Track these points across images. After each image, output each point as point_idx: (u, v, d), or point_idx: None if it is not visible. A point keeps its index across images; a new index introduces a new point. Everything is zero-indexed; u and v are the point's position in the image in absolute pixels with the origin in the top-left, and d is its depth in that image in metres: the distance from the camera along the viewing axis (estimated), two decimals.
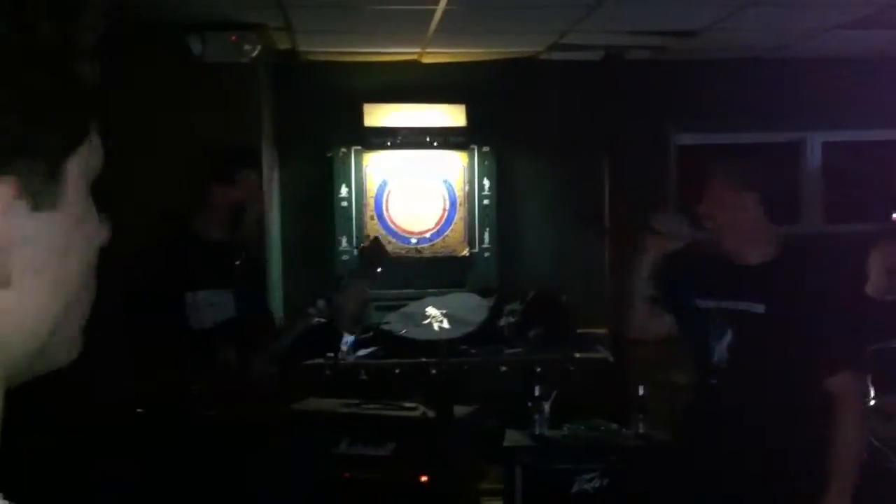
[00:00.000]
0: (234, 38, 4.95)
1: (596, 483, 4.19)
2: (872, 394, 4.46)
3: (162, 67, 4.85)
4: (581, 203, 6.09)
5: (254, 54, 5.00)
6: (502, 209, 6.09)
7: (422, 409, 4.11)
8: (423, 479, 3.87)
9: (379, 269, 3.38)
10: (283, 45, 5.55)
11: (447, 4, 4.60)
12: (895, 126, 6.25)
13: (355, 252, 5.61)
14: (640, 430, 4.35)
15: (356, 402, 4.24)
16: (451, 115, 5.96)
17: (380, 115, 5.92)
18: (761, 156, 6.16)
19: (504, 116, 6.06)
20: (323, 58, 5.91)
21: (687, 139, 6.34)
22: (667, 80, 6.12)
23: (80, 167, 0.69)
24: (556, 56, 5.92)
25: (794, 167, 6.43)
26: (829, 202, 6.41)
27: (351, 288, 3.31)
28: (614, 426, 4.39)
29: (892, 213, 5.30)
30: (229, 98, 4.98)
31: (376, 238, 4.27)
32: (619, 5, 4.75)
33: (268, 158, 5.43)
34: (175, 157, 4.12)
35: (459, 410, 4.18)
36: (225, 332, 3.28)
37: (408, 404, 4.19)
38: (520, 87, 6.09)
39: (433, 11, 4.76)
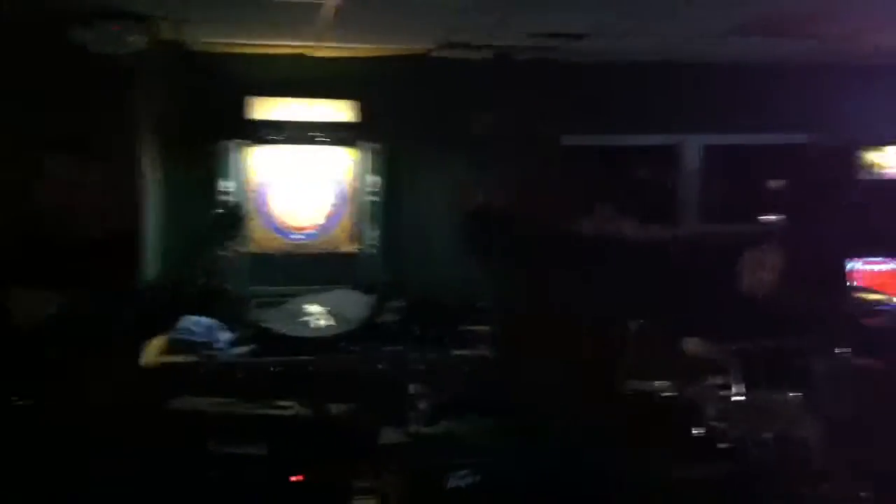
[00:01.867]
0: (116, 27, 4.84)
1: (470, 479, 4.23)
2: (742, 389, 4.61)
3: (41, 57, 4.71)
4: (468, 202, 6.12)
5: (136, 45, 4.89)
6: (391, 206, 6.08)
7: (297, 407, 4.08)
8: (297, 478, 3.84)
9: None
10: (169, 35, 5.44)
11: None
12: (773, 130, 6.47)
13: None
14: (515, 426, 4.39)
15: (230, 400, 4.19)
16: (341, 111, 5.92)
17: (266, 109, 5.84)
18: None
19: (395, 113, 6.04)
20: (209, 49, 5.80)
21: (573, 140, 6.43)
22: (555, 82, 6.20)
23: None
24: (447, 54, 5.94)
25: (674, 169, 6.59)
26: (706, 203, 6.58)
27: None
28: (490, 423, 4.43)
29: (763, 215, 5.46)
30: (108, 89, 4.87)
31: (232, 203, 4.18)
32: (508, 7, 4.78)
33: (149, 151, 5.32)
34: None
35: (335, 408, 4.16)
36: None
37: (283, 403, 4.15)
38: (410, 84, 6.08)
39: (322, 5, 4.72)
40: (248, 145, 5.85)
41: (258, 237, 5.83)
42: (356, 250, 5.99)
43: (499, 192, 5.91)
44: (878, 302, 5.34)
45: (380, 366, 5.05)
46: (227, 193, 5.77)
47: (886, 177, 6.10)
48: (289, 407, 4.18)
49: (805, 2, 4.76)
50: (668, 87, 6.31)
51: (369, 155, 6.02)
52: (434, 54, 5.97)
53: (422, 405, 4.37)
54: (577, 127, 6.33)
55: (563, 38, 5.58)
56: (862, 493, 4.68)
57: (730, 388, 4.60)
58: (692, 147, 6.60)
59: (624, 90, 6.29)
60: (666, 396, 4.44)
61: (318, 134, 5.89)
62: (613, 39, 5.59)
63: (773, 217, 5.41)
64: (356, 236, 6.00)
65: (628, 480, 4.18)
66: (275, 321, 5.32)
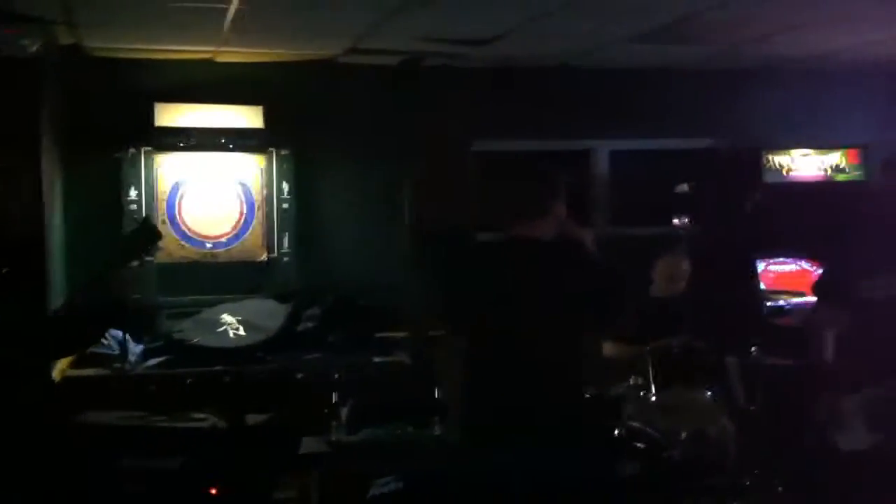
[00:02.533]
0: (8, 31, 4.66)
1: (392, 486, 4.19)
2: (653, 389, 4.68)
3: None
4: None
5: (33, 49, 4.71)
6: (302, 213, 6.01)
7: (212, 419, 3.98)
8: (213, 491, 3.75)
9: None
10: (68, 40, 5.27)
11: (239, 4, 4.50)
12: (680, 134, 6.62)
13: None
14: (437, 433, 4.38)
15: (142, 414, 4.06)
16: (248, 117, 5.83)
17: (172, 115, 5.72)
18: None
19: (303, 119, 5.98)
20: (111, 54, 5.66)
21: (485, 145, 6.46)
22: (465, 87, 6.23)
23: None
24: (355, 59, 5.91)
25: (584, 174, 6.68)
26: (616, 207, 6.69)
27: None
28: (411, 429, 4.40)
29: (673, 218, 5.56)
30: (5, 95, 4.68)
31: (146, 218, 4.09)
32: (414, 12, 4.78)
33: (49, 160, 5.14)
34: None
35: (253, 419, 4.08)
36: None
37: (197, 415, 4.04)
38: (319, 90, 6.04)
39: (225, 10, 4.64)
40: (155, 153, 5.71)
41: (168, 246, 5.69)
42: (269, 258, 5.89)
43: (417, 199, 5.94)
44: (785, 301, 5.50)
45: (298, 375, 4.98)
46: (134, 202, 5.62)
47: (790, 179, 6.29)
48: (204, 419, 4.07)
49: (707, 9, 4.88)
50: (575, 92, 6.39)
51: (279, 161, 5.93)
52: (341, 60, 5.93)
53: (343, 413, 4.31)
54: (487, 132, 6.37)
55: (471, 45, 5.61)
56: (774, 487, 4.82)
57: (646, 387, 4.68)
58: (600, 153, 6.70)
59: (531, 96, 6.35)
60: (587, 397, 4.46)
61: (225, 140, 5.79)
62: (520, 45, 5.63)
63: (682, 220, 5.51)
64: (268, 244, 5.90)
65: (551, 481, 4.20)
66: (188, 332, 5.20)
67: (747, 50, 5.86)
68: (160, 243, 5.58)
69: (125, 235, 5.21)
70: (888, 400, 3.37)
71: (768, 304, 5.38)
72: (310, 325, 5.47)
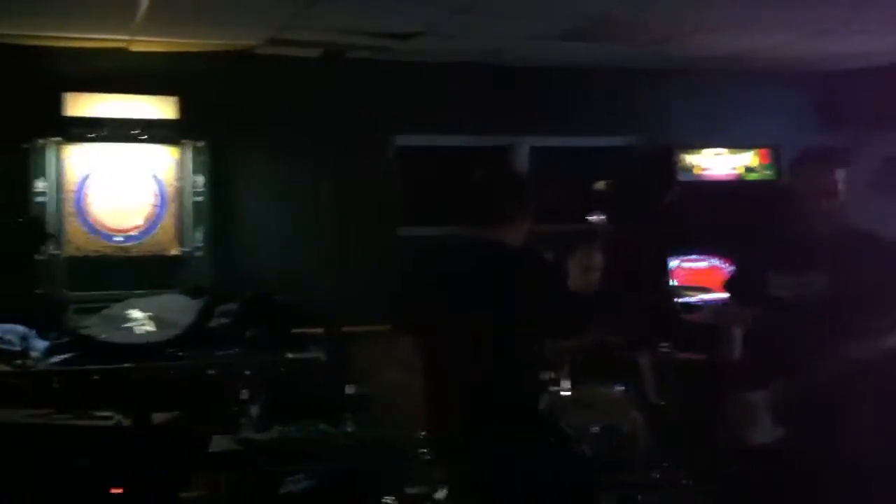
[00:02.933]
0: None
1: (304, 484, 4.16)
2: (568, 386, 4.72)
3: None
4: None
5: None
6: (217, 207, 5.91)
7: (118, 417, 3.89)
8: (118, 491, 3.66)
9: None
10: None
11: None
12: (598, 133, 6.68)
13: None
14: (349, 430, 4.35)
15: (45, 412, 3.94)
16: (162, 107, 5.71)
17: (83, 105, 5.57)
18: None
19: (219, 110, 5.88)
20: (19, 41, 5.49)
21: (407, 140, 6.44)
22: (387, 81, 6.20)
23: None
24: (274, 51, 5.83)
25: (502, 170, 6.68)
26: (536, 203, 6.69)
27: None
28: (323, 426, 4.36)
29: (589, 215, 5.60)
30: None
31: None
32: (335, 4, 4.73)
33: None
34: None
35: (161, 417, 3.99)
36: None
37: (102, 413, 3.94)
38: (236, 81, 5.95)
39: None
40: (65, 143, 5.55)
41: (76, 240, 5.55)
42: (181, 253, 5.78)
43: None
44: (697, 298, 5.56)
45: (209, 372, 4.89)
46: (42, 194, 5.46)
47: (704, 178, 6.39)
48: (109, 417, 3.97)
49: (626, 9, 4.93)
50: (496, 89, 6.41)
51: (193, 153, 5.82)
52: (259, 51, 5.85)
53: (254, 410, 4.26)
54: (409, 127, 6.35)
55: (393, 38, 5.58)
56: (683, 481, 4.90)
57: (559, 383, 4.72)
58: (520, 149, 6.72)
59: (452, 91, 6.34)
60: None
61: (137, 131, 5.66)
62: (444, 40, 5.62)
63: (598, 217, 5.55)
64: (181, 238, 5.79)
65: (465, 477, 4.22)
66: (96, 328, 5.07)
67: (662, 50, 5.95)
68: (69, 236, 5.49)
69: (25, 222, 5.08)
70: (794, 395, 3.42)
71: (680, 300, 5.45)
72: (223, 320, 5.37)
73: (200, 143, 5.83)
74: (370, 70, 6.15)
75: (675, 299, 5.20)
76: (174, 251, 5.77)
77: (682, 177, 6.31)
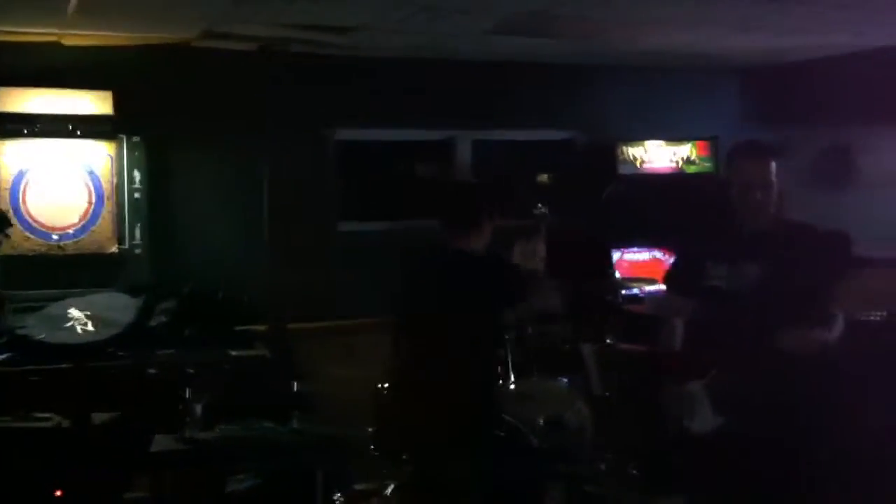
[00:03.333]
0: None
1: (249, 483, 4.11)
2: (511, 378, 4.74)
3: None
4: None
5: None
6: (155, 203, 5.82)
7: (57, 419, 3.80)
8: (58, 494, 3.58)
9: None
10: None
11: None
12: (539, 126, 6.72)
13: None
14: (295, 427, 4.31)
15: None
16: (96, 102, 5.60)
17: (16, 101, 5.45)
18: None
19: (156, 105, 5.78)
20: None
21: (346, 135, 6.40)
22: (326, 76, 6.15)
23: None
24: (211, 44, 5.75)
25: (448, 164, 6.70)
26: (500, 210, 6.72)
27: None
28: (269, 424, 4.31)
29: (532, 208, 5.63)
30: None
31: None
32: None
33: None
34: None
35: (101, 418, 3.92)
36: None
37: (41, 415, 3.86)
38: (172, 75, 5.85)
39: None
40: None
41: (12, 238, 5.41)
42: (119, 250, 5.68)
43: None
44: (639, 289, 5.63)
45: (151, 370, 4.81)
46: None
47: (645, 171, 6.46)
48: (48, 418, 3.88)
49: (566, 4, 4.96)
50: (438, 83, 6.41)
51: (129, 149, 5.72)
52: (195, 44, 5.76)
53: (198, 409, 4.18)
54: (350, 121, 6.31)
55: (331, 32, 5.54)
56: (630, 470, 4.95)
57: (506, 376, 4.73)
58: (462, 143, 6.73)
59: (394, 85, 6.33)
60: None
61: (73, 127, 5.55)
62: (383, 35, 5.60)
63: (541, 210, 5.59)
64: (119, 235, 5.69)
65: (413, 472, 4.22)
66: (33, 328, 4.96)
67: (603, 45, 5.99)
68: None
69: None
70: (733, 384, 3.47)
71: (623, 292, 5.51)
72: (163, 319, 5.29)
73: (136, 139, 5.74)
74: (309, 64, 6.09)
75: (619, 291, 5.24)
76: (112, 249, 5.67)
77: (623, 169, 6.37)
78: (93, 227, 5.65)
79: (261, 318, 5.61)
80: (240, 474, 4.11)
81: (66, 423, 3.76)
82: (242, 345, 5.34)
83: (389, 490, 4.55)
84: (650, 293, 5.76)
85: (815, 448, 3.55)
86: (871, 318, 4.64)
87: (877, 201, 7.42)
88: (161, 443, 4.09)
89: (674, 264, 4.18)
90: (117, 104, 5.60)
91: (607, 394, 5.05)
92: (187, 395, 4.21)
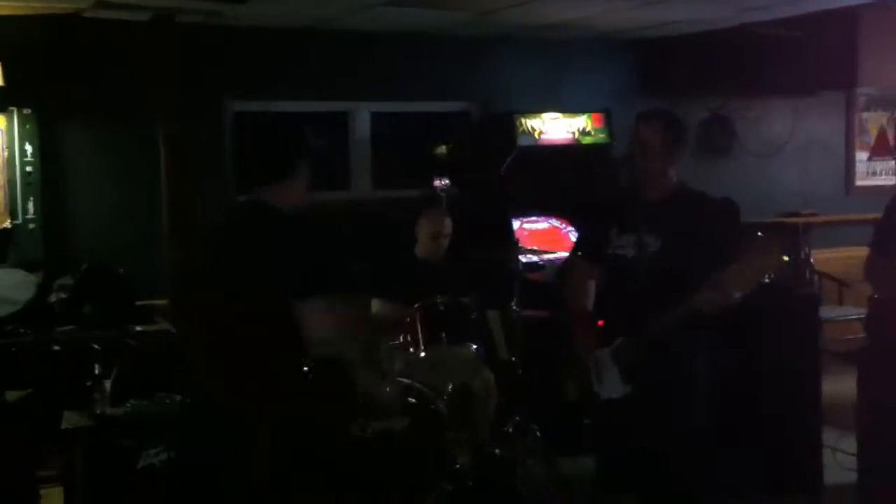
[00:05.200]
0: None
1: (163, 456, 4.09)
2: (422, 346, 4.83)
3: None
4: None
5: None
6: (49, 177, 5.67)
7: None
8: None
9: None
10: None
11: None
12: (436, 98, 6.78)
13: None
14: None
15: None
16: None
17: None
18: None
19: (47, 77, 5.63)
20: None
21: (243, 106, 6.34)
22: (221, 46, 6.07)
23: None
24: (103, 14, 5.61)
25: (344, 136, 6.72)
26: (377, 170, 6.77)
27: None
28: (179, 398, 4.29)
29: (433, 180, 5.71)
30: None
31: None
32: None
33: None
34: None
35: (12, 395, 3.85)
36: None
37: None
38: (64, 46, 5.69)
39: None
40: None
41: None
42: (13, 225, 5.52)
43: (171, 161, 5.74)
44: (539, 258, 5.77)
45: (55, 347, 4.72)
46: None
47: (542, 142, 6.58)
48: None
49: None
50: (335, 54, 6.40)
51: (20, 121, 5.56)
52: (87, 14, 5.61)
53: (106, 385, 4.14)
54: (245, 93, 6.26)
55: (227, 3, 5.46)
56: (536, 432, 5.11)
57: (415, 344, 4.81)
58: (360, 115, 6.74)
59: (290, 57, 6.29)
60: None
61: None
62: (278, 5, 5.55)
63: (442, 181, 5.67)
64: (11, 210, 5.52)
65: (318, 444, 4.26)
66: None
67: (499, 17, 6.07)
68: None
69: None
70: (637, 350, 3.60)
71: (523, 260, 5.64)
72: (62, 295, 5.19)
73: (27, 111, 5.58)
74: (203, 35, 6.00)
75: (519, 259, 5.36)
76: (5, 224, 5.51)
77: (521, 141, 6.48)
78: None
79: (162, 292, 5.55)
80: (152, 449, 4.08)
81: None
82: (144, 320, 5.28)
83: None
84: (549, 261, 5.91)
85: (715, 413, 3.72)
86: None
87: (756, 170, 7.79)
88: (71, 419, 4.06)
89: (580, 233, 4.28)
90: (7, 75, 5.42)
91: (513, 358, 5.19)
92: (96, 371, 4.17)
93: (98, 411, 4.10)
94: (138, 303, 5.36)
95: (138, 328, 5.10)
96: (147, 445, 4.05)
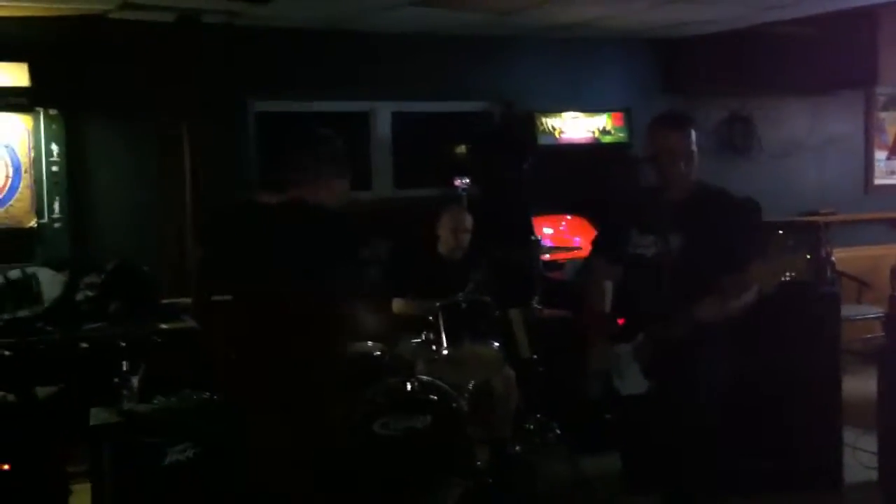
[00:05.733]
0: None
1: (189, 453, 4.15)
2: (445, 344, 4.87)
3: None
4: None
5: None
6: (75, 176, 5.73)
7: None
8: (5, 467, 3.58)
9: None
10: None
11: None
12: (458, 97, 6.81)
13: None
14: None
15: None
16: (12, 75, 5.45)
17: None
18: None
19: (73, 77, 5.69)
20: None
21: (265, 106, 6.40)
22: (244, 47, 6.12)
23: None
24: (128, 16, 5.67)
25: (365, 136, 6.76)
26: (398, 169, 6.81)
27: None
28: (205, 395, 4.35)
29: (454, 179, 5.75)
30: None
31: None
32: None
33: None
34: None
35: (42, 392, 3.91)
36: None
37: None
38: (90, 47, 5.75)
39: None
40: None
41: None
42: (39, 224, 5.59)
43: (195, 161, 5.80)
44: (561, 257, 5.80)
45: (83, 345, 4.78)
46: None
47: (562, 141, 6.61)
48: None
49: None
50: (356, 54, 6.44)
51: (46, 121, 5.61)
52: (112, 16, 5.68)
53: (134, 382, 4.20)
54: (268, 93, 6.31)
55: (250, 3, 5.51)
56: (556, 431, 5.15)
57: (438, 342, 4.85)
58: (381, 114, 6.78)
59: (312, 57, 6.34)
60: (378, 356, 4.58)
61: None
62: (300, 6, 5.59)
63: (463, 181, 5.71)
64: (38, 209, 5.59)
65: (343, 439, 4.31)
66: None
67: (519, 18, 6.10)
68: None
69: None
70: (657, 348, 3.64)
71: (546, 259, 5.67)
72: (89, 293, 5.25)
73: (54, 112, 5.63)
74: (227, 35, 6.06)
75: (541, 258, 5.40)
76: (31, 223, 5.58)
77: (542, 140, 6.51)
78: (10, 202, 5.54)
79: (186, 290, 5.61)
80: (179, 445, 4.13)
81: (9, 398, 3.75)
82: (170, 318, 5.34)
83: None
84: (571, 260, 5.93)
85: (737, 410, 3.75)
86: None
87: (776, 169, 7.79)
88: (100, 416, 4.11)
89: (600, 232, 4.32)
90: (34, 76, 5.48)
91: (534, 357, 5.22)
92: (124, 368, 4.22)
93: (126, 408, 4.16)
94: (163, 301, 5.42)
95: (164, 326, 5.15)
96: (174, 442, 4.11)
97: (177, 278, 5.61)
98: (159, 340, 5.01)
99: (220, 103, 6.05)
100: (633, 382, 3.72)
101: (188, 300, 5.56)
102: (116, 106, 5.88)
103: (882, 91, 8.17)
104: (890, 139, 8.48)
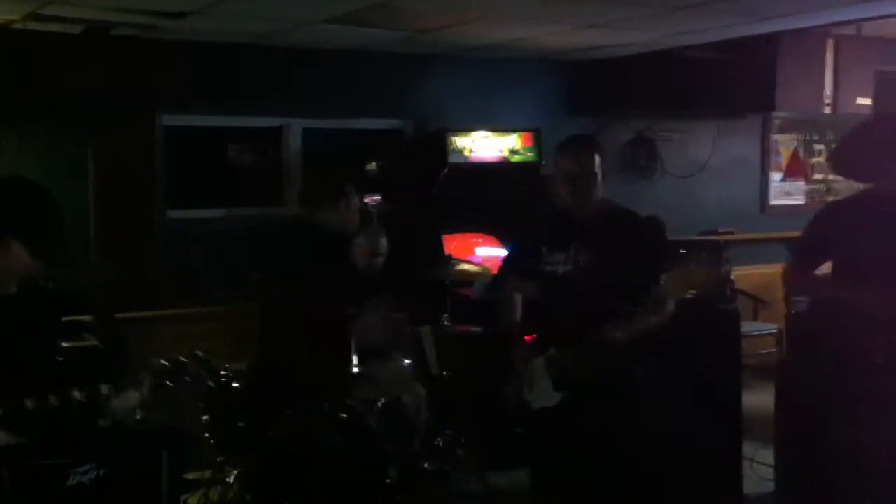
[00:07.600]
0: None
1: (93, 475, 4.04)
2: (355, 361, 4.84)
3: None
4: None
5: None
6: None
7: None
8: None
9: None
10: None
11: None
12: (369, 116, 6.83)
13: None
14: (137, 417, 4.28)
15: None
16: None
17: None
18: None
19: None
20: None
21: (174, 120, 6.32)
22: (154, 60, 6.04)
23: None
24: (35, 27, 5.55)
25: (277, 151, 6.73)
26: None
27: None
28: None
29: (364, 197, 5.76)
30: None
31: None
32: None
33: None
34: None
35: None
36: None
37: None
38: None
39: None
40: None
41: None
42: None
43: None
44: (472, 275, 5.83)
45: None
46: None
47: (472, 160, 6.66)
48: None
49: None
50: (268, 70, 6.41)
51: None
52: (18, 26, 5.56)
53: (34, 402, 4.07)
54: (177, 107, 6.23)
55: (162, 16, 5.45)
56: (466, 446, 5.17)
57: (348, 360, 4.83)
58: (292, 130, 6.76)
59: (223, 71, 6.29)
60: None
61: None
62: (214, 20, 5.55)
63: (374, 198, 5.71)
64: None
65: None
66: None
67: (435, 36, 6.15)
68: None
69: None
70: (568, 362, 3.70)
71: (455, 276, 5.69)
72: None
73: None
74: (137, 48, 5.97)
75: (451, 275, 5.43)
76: None
77: (452, 158, 6.55)
78: None
79: (87, 308, 5.48)
80: (82, 466, 4.03)
81: None
82: (72, 336, 5.19)
83: (231, 478, 4.57)
84: (479, 277, 5.97)
85: (644, 423, 3.84)
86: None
87: (678, 190, 8.01)
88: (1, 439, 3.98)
89: (510, 249, 4.38)
90: None
91: (444, 373, 5.24)
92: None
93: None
94: (64, 319, 5.28)
95: (66, 344, 5.01)
96: (77, 463, 4.00)
97: (80, 296, 5.47)
98: (61, 359, 4.87)
99: (127, 116, 5.95)
100: (543, 395, 3.78)
101: (89, 318, 5.43)
102: (21, 117, 5.75)
103: (778, 115, 8.48)
104: (784, 161, 8.80)
